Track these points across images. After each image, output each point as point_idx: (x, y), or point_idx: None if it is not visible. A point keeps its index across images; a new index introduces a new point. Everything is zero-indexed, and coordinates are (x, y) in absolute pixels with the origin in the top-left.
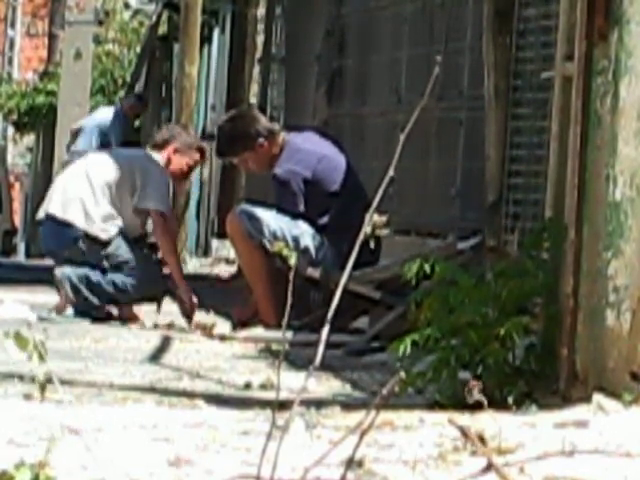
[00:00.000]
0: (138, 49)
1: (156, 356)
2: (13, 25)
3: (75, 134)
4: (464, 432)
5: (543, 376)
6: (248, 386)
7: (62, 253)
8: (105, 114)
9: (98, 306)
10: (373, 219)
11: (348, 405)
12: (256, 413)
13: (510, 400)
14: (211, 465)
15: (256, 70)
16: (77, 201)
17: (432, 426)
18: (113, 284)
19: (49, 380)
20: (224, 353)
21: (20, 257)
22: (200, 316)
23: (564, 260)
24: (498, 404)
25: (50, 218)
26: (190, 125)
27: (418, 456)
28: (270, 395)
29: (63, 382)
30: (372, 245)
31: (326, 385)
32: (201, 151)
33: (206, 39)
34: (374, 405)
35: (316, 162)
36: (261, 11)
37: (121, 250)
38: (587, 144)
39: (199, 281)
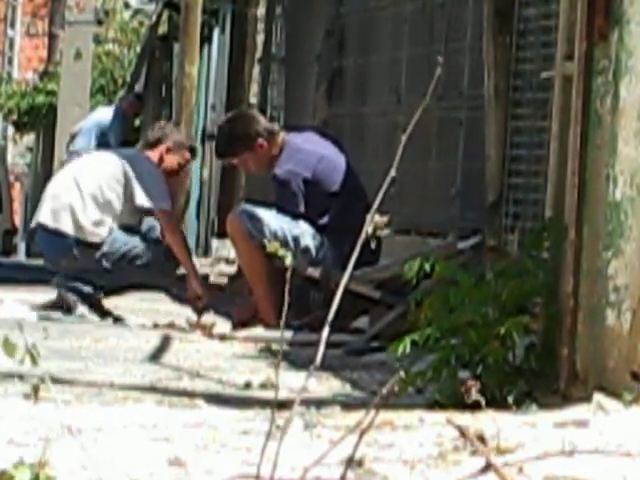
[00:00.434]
0: (138, 49)
1: (156, 356)
2: (13, 25)
3: (74, 136)
4: (462, 432)
5: (543, 376)
6: (248, 386)
7: (59, 262)
8: (104, 114)
9: (97, 300)
10: (374, 219)
11: (348, 405)
12: (256, 413)
13: (510, 400)
14: (211, 465)
15: (256, 70)
16: (67, 209)
17: (432, 426)
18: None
19: (43, 381)
20: (224, 353)
21: (20, 257)
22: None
23: (564, 260)
24: (498, 404)
25: (41, 227)
26: (190, 125)
27: (418, 456)
28: (270, 395)
29: (63, 382)
30: (373, 245)
31: (326, 385)
32: (192, 150)
33: (206, 39)
34: (374, 405)
35: (316, 162)
36: (261, 11)
37: (117, 244)
38: (587, 144)
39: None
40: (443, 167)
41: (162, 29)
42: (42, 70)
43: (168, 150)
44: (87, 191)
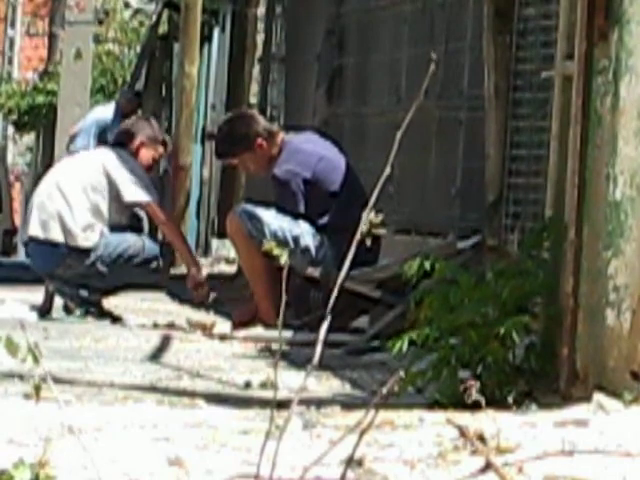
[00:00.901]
0: (138, 49)
1: (156, 355)
2: (13, 25)
3: (74, 137)
4: (462, 432)
5: (543, 375)
6: (248, 385)
7: (54, 272)
8: (101, 112)
9: (96, 301)
10: (369, 218)
11: (348, 404)
12: (256, 412)
13: (510, 399)
14: (211, 465)
15: (256, 70)
16: (55, 217)
17: (432, 425)
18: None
19: (44, 381)
20: (224, 352)
21: (20, 257)
22: (200, 316)
23: (564, 260)
24: (498, 403)
25: (33, 240)
26: (190, 125)
27: (418, 455)
28: (270, 394)
29: (63, 382)
30: (369, 244)
31: (326, 384)
32: (164, 144)
33: (206, 39)
34: (374, 404)
35: (316, 162)
36: (261, 11)
37: (111, 246)
38: (587, 144)
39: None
40: (443, 167)
41: (162, 29)
42: (42, 70)
43: (142, 145)
44: (72, 197)
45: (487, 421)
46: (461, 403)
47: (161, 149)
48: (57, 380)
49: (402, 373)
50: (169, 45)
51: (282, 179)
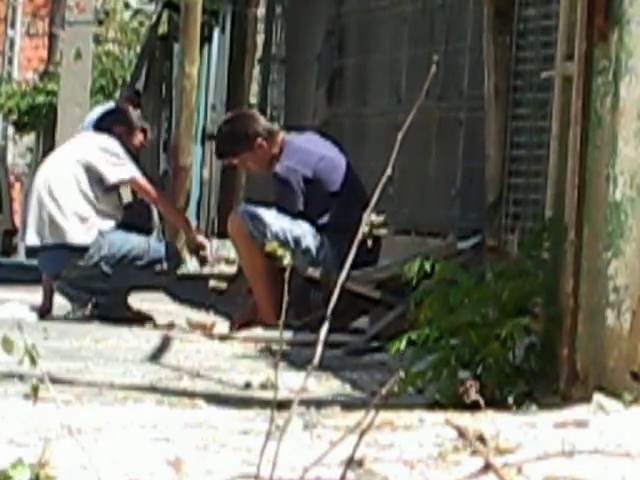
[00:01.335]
0: (138, 49)
1: (156, 356)
2: (13, 25)
3: None
4: (461, 432)
5: (543, 376)
6: (248, 386)
7: (62, 274)
8: (101, 112)
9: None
10: (370, 219)
11: (348, 405)
12: (256, 413)
13: (510, 400)
14: (211, 465)
15: (256, 70)
16: (47, 223)
17: (432, 426)
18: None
19: (42, 381)
20: (224, 353)
21: (20, 257)
22: (200, 316)
23: (564, 260)
24: (498, 404)
25: (31, 250)
26: (190, 125)
27: (418, 456)
28: (270, 395)
29: (63, 382)
30: (370, 245)
31: (326, 385)
32: (144, 132)
33: (206, 39)
34: (374, 405)
35: (316, 162)
36: (261, 11)
37: (115, 246)
38: (587, 144)
39: (200, 281)
40: (443, 167)
41: (162, 29)
42: (42, 70)
43: (123, 132)
44: (60, 195)
45: (487, 421)
46: (461, 404)
47: (142, 137)
48: (57, 380)
49: (402, 374)
50: (169, 45)
51: (283, 177)
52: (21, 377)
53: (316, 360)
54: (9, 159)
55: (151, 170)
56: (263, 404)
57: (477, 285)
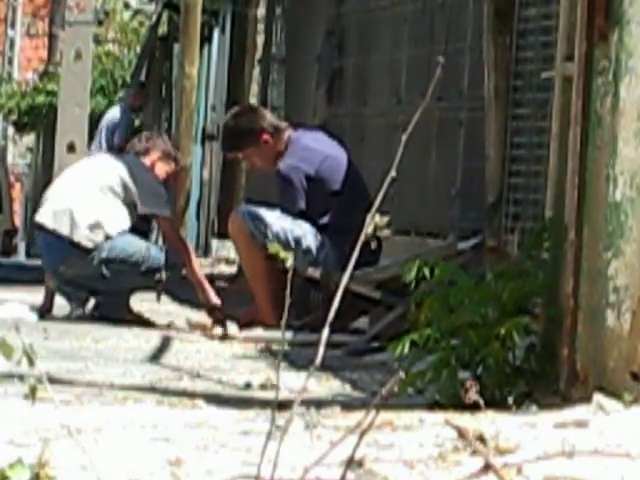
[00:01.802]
0: (138, 49)
1: (156, 356)
2: (13, 25)
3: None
4: (461, 432)
5: (543, 376)
6: (248, 386)
7: (58, 269)
8: (111, 114)
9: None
10: (374, 220)
11: (348, 405)
12: (256, 413)
13: (510, 400)
14: (211, 465)
15: (256, 70)
16: (66, 211)
17: (432, 426)
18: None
19: (40, 381)
20: (224, 353)
21: (20, 257)
22: (200, 316)
23: (564, 260)
24: (498, 404)
25: (41, 228)
26: (190, 125)
27: (418, 456)
28: (270, 395)
29: (63, 382)
30: (373, 246)
31: (326, 385)
32: (176, 161)
33: (206, 39)
34: (374, 405)
35: (320, 161)
36: (261, 11)
37: (116, 250)
38: (587, 144)
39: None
40: (443, 167)
41: (162, 29)
42: (42, 70)
43: (159, 159)
44: (86, 195)
45: (487, 422)
46: (461, 404)
47: (174, 165)
48: (57, 381)
49: (402, 374)
50: (169, 46)
51: (285, 174)
52: (21, 377)
53: (318, 360)
54: (9, 159)
55: None
56: (263, 404)
57: (477, 285)
